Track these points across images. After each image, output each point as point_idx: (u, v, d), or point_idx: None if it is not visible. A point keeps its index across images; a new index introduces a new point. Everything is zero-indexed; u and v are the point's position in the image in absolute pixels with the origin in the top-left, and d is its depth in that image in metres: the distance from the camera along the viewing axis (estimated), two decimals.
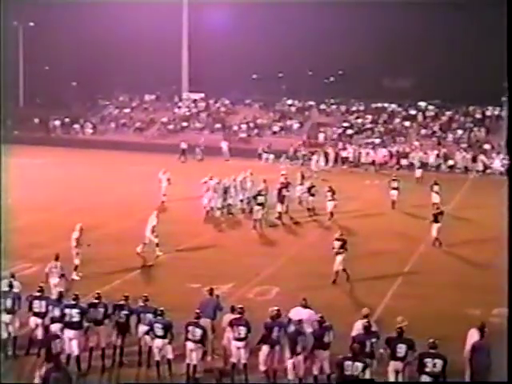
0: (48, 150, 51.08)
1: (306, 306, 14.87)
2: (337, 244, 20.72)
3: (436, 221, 25.34)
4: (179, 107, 63.60)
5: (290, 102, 63.13)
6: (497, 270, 22.15)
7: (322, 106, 61.58)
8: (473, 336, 13.64)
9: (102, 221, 27.31)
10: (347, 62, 67.42)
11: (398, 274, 21.78)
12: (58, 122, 60.99)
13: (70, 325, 14.37)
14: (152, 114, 62.07)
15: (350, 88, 64.01)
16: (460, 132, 54.47)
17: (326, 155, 49.15)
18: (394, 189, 33.29)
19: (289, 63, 67.18)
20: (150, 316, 14.56)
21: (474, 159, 49.07)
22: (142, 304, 14.96)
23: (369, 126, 56.98)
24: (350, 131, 55.85)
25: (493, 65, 56.38)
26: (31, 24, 65.11)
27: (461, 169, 48.74)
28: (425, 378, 12.60)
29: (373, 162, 49.02)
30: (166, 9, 59.26)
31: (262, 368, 13.86)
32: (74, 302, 14.61)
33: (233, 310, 14.63)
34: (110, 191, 35.31)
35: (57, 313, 14.69)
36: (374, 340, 13.60)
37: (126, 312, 14.79)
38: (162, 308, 14.47)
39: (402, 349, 13.15)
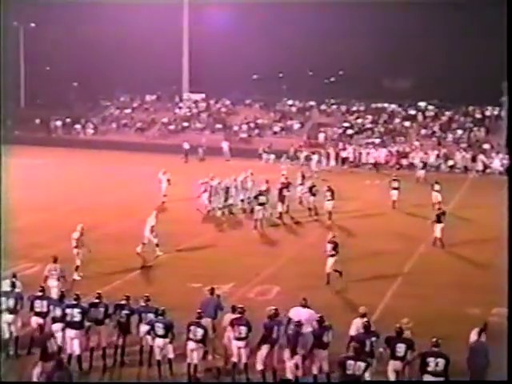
0: (49, 151, 51.11)
1: (305, 306, 14.87)
2: (329, 246, 20.61)
3: (439, 221, 25.32)
4: (180, 107, 63.61)
5: (290, 102, 63.11)
6: (496, 269, 22.14)
7: (323, 107, 61.57)
8: (474, 336, 13.65)
9: (103, 221, 27.35)
10: (347, 63, 67.41)
11: (397, 274, 21.79)
12: (59, 123, 61.01)
13: (72, 324, 14.41)
14: (153, 115, 62.07)
15: (351, 88, 63.96)
16: (460, 132, 54.47)
17: (327, 155, 49.21)
18: (395, 189, 33.29)
19: (289, 63, 67.17)
20: (151, 316, 14.59)
21: (474, 159, 49.06)
22: (143, 304, 14.99)
23: (369, 126, 56.97)
24: (350, 131, 55.84)
25: (492, 65, 56.35)
26: (32, 25, 65.14)
27: (460, 169, 48.72)
28: (427, 378, 12.60)
29: (373, 162, 49.06)
30: (166, 10, 59.22)
31: (259, 367, 13.88)
32: (75, 302, 14.64)
33: (233, 309, 14.65)
34: (111, 191, 35.34)
35: (58, 312, 14.72)
36: (373, 339, 13.63)
37: (127, 312, 14.82)
38: (163, 308, 14.50)
39: (401, 348, 13.18)
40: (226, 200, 30.15)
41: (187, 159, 49.23)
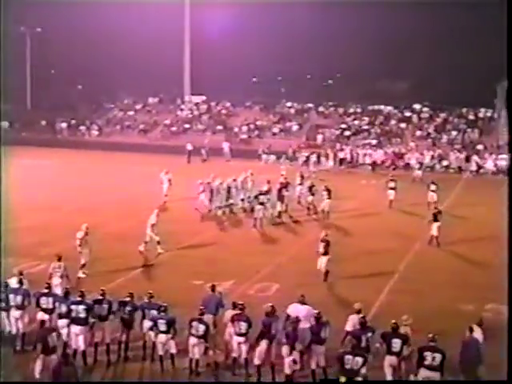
0: (55, 152, 51.15)
1: (303, 303, 14.86)
2: (321, 245, 20.47)
3: (435, 220, 25.33)
4: (182, 110, 63.64)
5: (289, 104, 63.17)
6: (491, 266, 22.26)
7: (321, 109, 61.60)
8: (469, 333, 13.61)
9: (107, 220, 27.35)
10: (345, 66, 67.51)
11: (394, 272, 21.74)
12: (64, 124, 61.06)
13: (76, 321, 14.42)
14: (155, 117, 62.11)
15: (348, 91, 64.10)
16: (454, 133, 54.51)
17: (325, 156, 49.24)
18: (391, 188, 33.29)
19: (288, 67, 67.27)
20: (154, 312, 14.59)
21: (468, 159, 49.11)
22: (146, 300, 14.99)
23: (366, 127, 57.02)
24: (347, 133, 55.90)
25: (485, 68, 56.63)
26: (38, 30, 65.17)
27: (455, 169, 48.76)
28: (423, 371, 12.62)
29: (370, 163, 49.08)
30: (168, 16, 59.45)
31: (257, 362, 13.88)
32: (79, 299, 14.64)
33: (234, 306, 14.65)
34: (115, 191, 35.33)
35: (63, 309, 14.73)
36: (369, 335, 13.64)
37: (130, 308, 14.83)
38: (165, 304, 14.51)
39: (397, 344, 13.18)
40: (227, 199, 30.16)
41: (190, 160, 49.22)
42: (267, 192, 29.14)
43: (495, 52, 54.69)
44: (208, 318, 14.58)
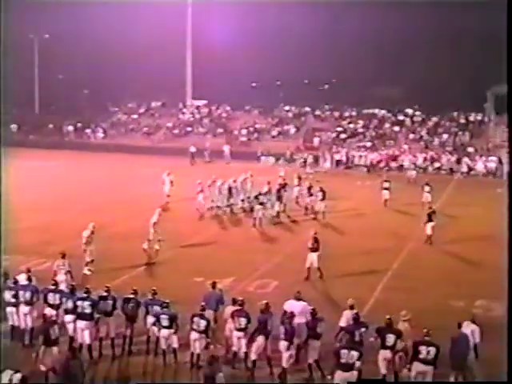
0: (62, 154, 51.14)
1: (299, 299, 14.84)
2: (310, 242, 20.37)
3: (430, 220, 25.32)
4: (184, 113, 63.63)
5: (287, 108, 63.14)
6: (482, 264, 22.29)
7: (317, 112, 61.56)
8: (465, 328, 13.58)
9: (112, 219, 27.31)
10: (340, 72, 67.46)
11: (388, 270, 21.73)
12: (71, 127, 61.04)
13: (82, 316, 14.44)
14: (158, 120, 62.09)
15: (343, 95, 64.06)
16: (445, 136, 54.49)
17: (322, 158, 49.26)
18: (386, 189, 33.38)
19: (286, 72, 67.25)
20: (157, 308, 14.59)
21: (459, 161, 49.09)
22: (150, 297, 14.99)
23: (361, 130, 57.01)
24: (343, 135, 55.88)
25: (476, 74, 56.63)
26: (46, 36, 65.15)
27: (446, 170, 48.74)
28: (417, 365, 12.62)
29: (365, 164, 49.12)
30: (170, 24, 59.49)
31: (253, 357, 13.86)
32: (85, 295, 14.65)
33: (234, 302, 14.64)
34: (119, 192, 35.33)
35: (70, 305, 14.75)
36: (362, 330, 13.65)
37: (134, 304, 14.82)
38: (167, 300, 14.50)
39: (391, 338, 13.18)
40: (228, 200, 30.15)
41: (194, 161, 49.18)
42: (267, 193, 29.17)
43: (486, 58, 54.86)
44: (209, 313, 14.59)
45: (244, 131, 57.90)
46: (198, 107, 64.45)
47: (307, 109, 62.11)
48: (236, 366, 14.12)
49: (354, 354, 12.35)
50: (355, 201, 34.60)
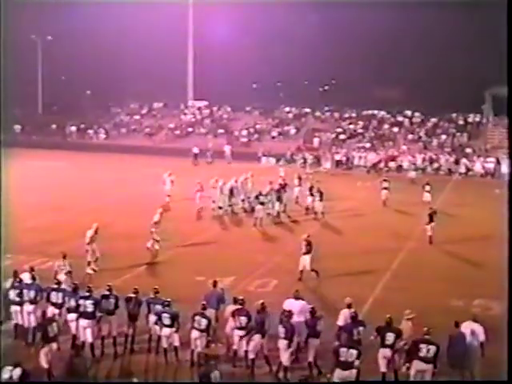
0: (64, 154, 51.11)
1: (298, 298, 14.84)
2: (303, 245, 20.22)
3: (431, 220, 25.29)
4: (185, 114, 63.63)
5: (287, 109, 63.14)
6: (480, 263, 22.27)
7: (317, 113, 61.57)
8: (465, 328, 13.55)
9: (114, 219, 27.28)
10: (340, 73, 67.51)
11: (387, 269, 21.71)
12: (73, 128, 61.07)
13: (85, 315, 14.44)
14: (160, 121, 62.09)
15: (343, 96, 64.04)
16: (444, 137, 54.47)
17: (321, 158, 49.26)
18: (385, 189, 33.37)
19: (286, 73, 67.28)
20: (158, 307, 14.57)
21: (457, 162, 49.07)
22: (152, 296, 14.98)
23: (360, 131, 57.00)
24: (342, 136, 55.87)
25: (474, 75, 56.58)
26: (49, 38, 65.16)
27: (445, 171, 48.70)
28: (417, 363, 12.60)
29: (364, 165, 49.13)
30: (172, 25, 59.52)
31: (251, 356, 13.85)
32: (87, 294, 14.65)
33: (235, 301, 14.63)
34: (121, 192, 35.31)
35: (72, 303, 14.74)
36: (360, 328, 13.63)
37: (136, 303, 14.81)
38: (169, 299, 14.49)
39: (390, 337, 13.17)
40: (229, 200, 30.13)
41: (197, 162, 49.14)
42: (268, 193, 29.15)
43: (484, 60, 54.83)
44: (210, 312, 14.57)
45: (245, 132, 57.89)
46: (199, 108, 64.45)
47: (307, 110, 62.13)
48: (236, 364, 14.10)
49: (353, 352, 12.35)
50: (355, 201, 34.57)
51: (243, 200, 30.84)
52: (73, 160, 47.89)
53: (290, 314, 13.91)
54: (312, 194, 30.52)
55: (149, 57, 63.89)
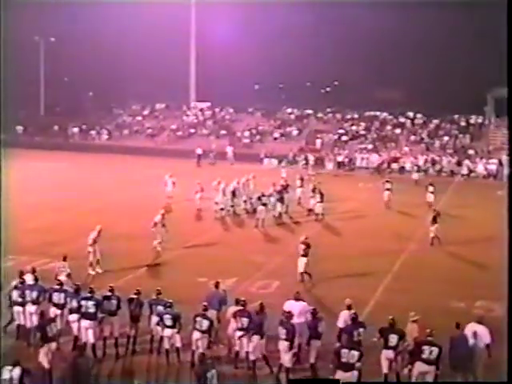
0: (67, 155, 51.14)
1: (298, 299, 14.81)
2: (301, 247, 20.22)
3: (435, 221, 25.25)
4: (187, 115, 63.65)
5: (289, 110, 63.17)
6: (482, 265, 22.23)
7: (319, 114, 61.59)
8: (469, 329, 13.51)
9: (116, 220, 27.27)
10: (342, 75, 67.52)
11: (389, 271, 21.66)
12: (76, 129, 61.10)
13: (86, 315, 14.43)
14: (162, 122, 62.13)
15: (345, 98, 64.06)
16: (446, 138, 54.46)
17: (323, 159, 49.27)
18: (387, 190, 33.37)
19: (289, 75, 67.29)
20: (160, 308, 14.57)
21: (459, 163, 49.04)
22: (154, 297, 14.97)
23: (362, 132, 57.00)
24: (345, 137, 55.89)
25: (476, 77, 56.55)
26: (52, 39, 65.25)
27: (447, 172, 48.68)
28: (420, 365, 12.57)
29: (366, 166, 49.12)
30: (174, 27, 59.59)
31: (252, 357, 13.84)
32: (89, 295, 14.64)
33: (237, 302, 14.62)
34: (123, 193, 35.32)
35: (74, 304, 14.73)
36: (360, 330, 13.61)
37: (138, 304, 14.81)
38: (171, 300, 14.49)
39: (393, 338, 13.13)
40: (232, 201, 30.13)
41: (200, 163, 49.14)
42: (271, 194, 29.15)
43: (486, 62, 54.77)
44: (212, 313, 14.56)
45: (247, 133, 57.90)
46: (201, 109, 64.50)
47: (309, 111, 62.17)
48: (238, 365, 14.10)
49: (355, 353, 12.32)
50: (357, 202, 34.56)
51: (245, 201, 30.84)
52: (75, 161, 47.93)
53: (289, 315, 13.90)
54: (314, 196, 30.51)
55: (151, 58, 63.97)
